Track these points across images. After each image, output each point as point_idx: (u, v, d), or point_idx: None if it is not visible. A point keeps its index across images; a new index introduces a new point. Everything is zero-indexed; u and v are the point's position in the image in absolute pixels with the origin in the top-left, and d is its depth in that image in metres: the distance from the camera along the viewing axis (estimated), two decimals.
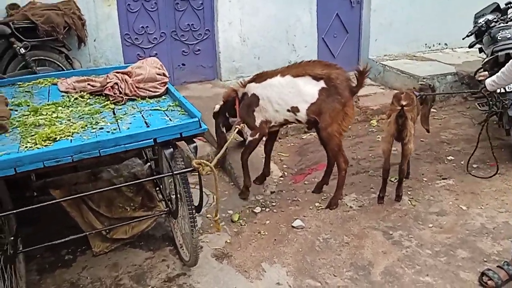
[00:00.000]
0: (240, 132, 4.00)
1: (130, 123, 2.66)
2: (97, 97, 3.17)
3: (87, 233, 2.88)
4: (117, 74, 3.13)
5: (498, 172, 3.89)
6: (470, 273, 2.80)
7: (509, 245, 3.01)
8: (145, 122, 2.66)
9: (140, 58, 5.26)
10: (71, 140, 2.42)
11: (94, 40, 5.03)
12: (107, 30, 5.07)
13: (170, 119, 2.68)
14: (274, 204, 3.72)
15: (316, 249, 3.12)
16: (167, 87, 3.20)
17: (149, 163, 3.37)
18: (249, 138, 3.69)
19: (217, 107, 3.76)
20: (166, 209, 2.99)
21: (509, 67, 2.54)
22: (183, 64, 5.70)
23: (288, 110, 3.46)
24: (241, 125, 3.55)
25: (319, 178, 4.13)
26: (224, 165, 4.27)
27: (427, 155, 4.48)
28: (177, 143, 2.56)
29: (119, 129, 2.57)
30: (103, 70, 3.81)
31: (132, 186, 3.18)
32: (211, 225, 3.42)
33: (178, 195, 2.70)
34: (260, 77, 3.58)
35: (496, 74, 2.70)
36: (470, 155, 3.22)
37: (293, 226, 3.38)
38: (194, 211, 2.59)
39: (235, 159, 4.16)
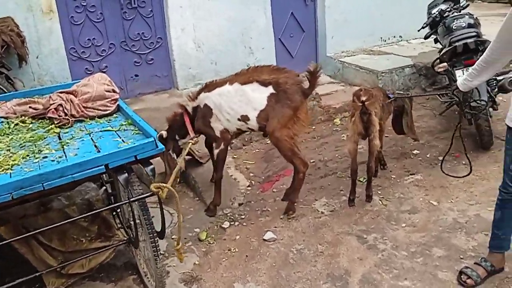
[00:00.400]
0: (189, 153, 3.83)
1: (78, 149, 2.43)
2: (40, 121, 2.91)
3: (39, 273, 2.60)
4: (60, 94, 2.88)
5: (472, 170, 3.78)
6: (448, 273, 2.74)
7: (483, 239, 2.97)
8: (95, 146, 2.44)
9: (89, 73, 5.01)
10: (10, 174, 2.17)
11: (37, 57, 4.69)
12: (51, 45, 4.74)
13: (123, 140, 2.47)
14: (243, 217, 3.55)
15: (291, 262, 2.98)
16: (118, 104, 2.97)
17: (104, 187, 3.13)
18: (216, 151, 3.52)
19: (164, 133, 3.46)
20: (125, 238, 2.76)
21: (480, 63, 2.46)
22: (136, 75, 5.44)
23: (239, 119, 3.35)
24: (195, 139, 3.32)
25: (287, 185, 3.99)
26: (188, 179, 4.06)
27: (393, 151, 4.44)
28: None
29: (65, 156, 2.33)
30: (47, 90, 3.52)
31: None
32: (174, 246, 3.21)
33: (138, 222, 2.48)
34: (209, 87, 3.45)
35: (468, 72, 2.62)
36: (443, 156, 3.16)
37: (264, 239, 3.23)
38: (156, 238, 2.38)
39: (198, 173, 3.97)
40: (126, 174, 2.25)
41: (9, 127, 2.81)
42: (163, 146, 2.33)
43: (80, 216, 2.50)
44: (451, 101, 4.60)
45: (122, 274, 2.97)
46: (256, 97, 3.25)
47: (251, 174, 4.21)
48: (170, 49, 5.46)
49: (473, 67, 2.55)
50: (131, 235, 2.67)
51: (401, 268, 2.82)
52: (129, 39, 5.25)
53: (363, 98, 3.28)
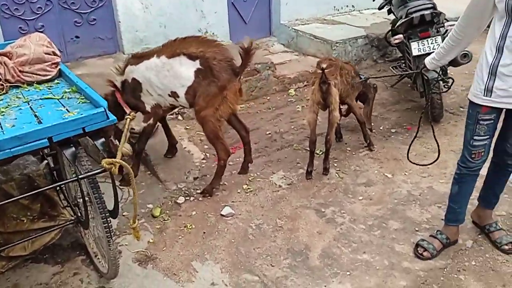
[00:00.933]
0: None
1: (15, 119, 2.14)
2: None
3: None
4: None
5: (439, 155, 3.78)
6: (404, 245, 2.78)
7: (436, 211, 3.05)
8: (36, 116, 2.16)
9: (23, 33, 4.51)
10: None
11: None
12: None
13: (67, 110, 2.20)
14: (198, 191, 3.40)
15: (250, 238, 2.90)
16: (59, 69, 2.66)
17: (46, 161, 2.83)
18: (143, 125, 3.28)
19: None
20: (73, 217, 2.52)
21: (448, 41, 2.42)
22: (77, 37, 4.97)
23: (169, 95, 3.13)
24: (132, 114, 3.05)
25: (243, 157, 3.89)
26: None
27: (347, 123, 4.43)
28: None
29: (1, 128, 2.04)
30: None
31: (27, 192, 2.65)
32: (129, 224, 3.02)
33: (87, 201, 2.25)
34: (135, 58, 3.19)
35: (435, 51, 2.57)
36: (410, 143, 3.08)
37: (222, 215, 3.11)
38: (108, 217, 2.18)
39: (149, 145, 3.73)
40: (73, 148, 2.01)
41: None
42: (115, 118, 2.09)
43: (25, 195, 2.21)
44: (402, 74, 4.65)
45: (69, 255, 2.75)
46: (183, 71, 2.99)
47: (206, 147, 4.03)
48: (115, 9, 5.02)
49: (441, 45, 2.51)
50: (79, 215, 2.43)
51: (359, 241, 2.83)
52: None
53: (323, 66, 3.20)
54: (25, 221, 2.54)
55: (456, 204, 2.63)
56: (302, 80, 5.45)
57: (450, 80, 3.38)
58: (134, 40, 5.20)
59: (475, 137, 2.39)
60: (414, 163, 3.10)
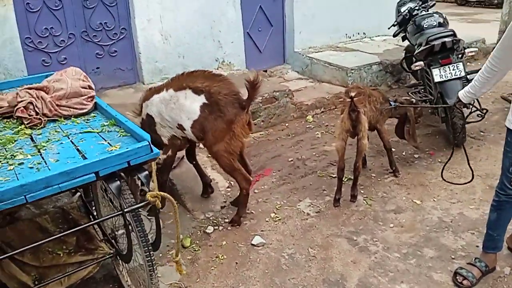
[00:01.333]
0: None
1: (58, 153, 2.16)
2: (5, 120, 2.58)
3: None
4: (29, 91, 2.57)
5: (473, 177, 3.65)
6: (442, 274, 2.74)
7: (470, 238, 3.01)
8: (78, 150, 2.17)
9: (46, 65, 4.62)
10: None
11: None
12: (4, 35, 4.27)
13: (109, 143, 2.22)
14: (226, 220, 3.39)
15: (283, 268, 2.86)
16: (95, 102, 2.70)
17: (78, 193, 2.85)
18: (163, 157, 3.29)
19: None
20: (112, 251, 2.51)
21: (483, 74, 2.42)
22: (98, 68, 5.06)
23: (177, 127, 3.15)
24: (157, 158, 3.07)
25: (268, 185, 3.90)
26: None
27: (369, 148, 4.42)
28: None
29: (45, 163, 2.05)
30: (6, 84, 3.16)
31: (61, 225, 2.66)
32: (160, 255, 3.01)
33: (129, 234, 2.24)
34: (148, 94, 3.25)
35: (470, 84, 2.57)
36: (444, 164, 3.15)
37: (253, 244, 3.09)
38: (151, 250, 2.17)
39: (175, 174, 3.75)
40: (118, 182, 2.02)
41: None
42: (158, 151, 2.11)
43: (67, 231, 2.21)
44: (425, 99, 4.68)
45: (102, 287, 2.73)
46: (189, 105, 3.00)
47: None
48: (135, 41, 5.13)
49: (475, 78, 2.51)
50: (118, 248, 2.42)
51: (395, 270, 2.79)
52: (90, 29, 4.87)
53: (352, 94, 3.23)
54: (61, 255, 2.52)
55: (495, 232, 2.60)
56: (319, 106, 5.50)
57: (484, 110, 3.36)
58: (154, 70, 5.29)
59: None
60: (449, 182, 3.26)
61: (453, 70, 3.97)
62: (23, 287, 2.42)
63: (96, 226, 2.68)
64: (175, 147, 3.30)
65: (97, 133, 2.36)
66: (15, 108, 2.50)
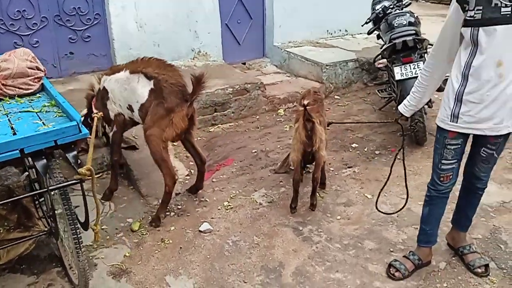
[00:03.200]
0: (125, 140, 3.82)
1: None
2: None
3: None
4: None
5: (398, 157, 3.91)
6: (378, 265, 2.79)
7: (413, 233, 3.06)
8: (12, 128, 2.21)
9: (18, 47, 4.60)
10: None
11: None
12: None
13: (43, 123, 2.26)
14: (179, 207, 3.44)
15: (225, 254, 2.92)
16: (42, 83, 2.73)
17: (27, 172, 2.89)
18: (110, 134, 3.43)
19: (81, 115, 3.25)
20: (46, 229, 2.55)
21: (419, 83, 2.43)
22: (71, 53, 5.09)
23: (127, 108, 3.26)
24: (100, 114, 3.07)
25: (227, 175, 3.95)
26: (122, 167, 3.86)
27: (332, 143, 4.48)
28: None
29: None
30: None
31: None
32: (107, 237, 3.05)
33: (59, 212, 2.29)
34: (111, 70, 3.37)
35: (408, 97, 2.53)
36: (380, 190, 3.10)
37: (200, 231, 3.14)
38: (78, 229, 2.22)
39: (133, 160, 3.79)
40: (45, 161, 2.06)
41: None
42: (88, 131, 2.15)
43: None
44: (389, 97, 4.72)
45: (45, 266, 2.77)
46: (139, 88, 3.10)
47: (191, 163, 4.07)
48: (109, 27, 5.15)
49: (413, 90, 2.52)
50: (52, 226, 2.47)
51: (333, 260, 2.85)
52: (63, 13, 4.89)
53: (305, 102, 3.10)
54: (1, 231, 2.57)
55: (427, 226, 2.65)
56: (292, 100, 5.53)
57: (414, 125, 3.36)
58: (128, 57, 5.24)
59: (443, 161, 2.45)
60: (381, 212, 3.11)
61: (413, 68, 4.01)
62: None
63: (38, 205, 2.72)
64: (120, 124, 3.36)
65: (36, 112, 2.41)
66: None
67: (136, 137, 4.06)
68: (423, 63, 4.06)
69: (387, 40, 4.29)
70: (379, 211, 3.06)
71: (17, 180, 2.88)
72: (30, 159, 2.89)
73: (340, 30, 7.20)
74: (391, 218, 3.27)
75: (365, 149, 4.36)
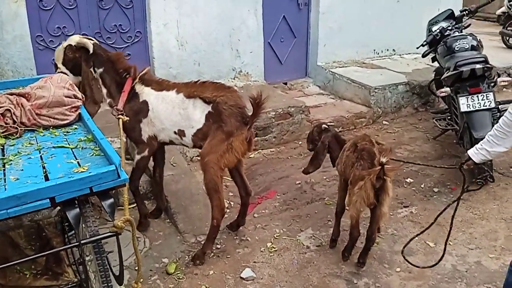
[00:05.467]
0: None
1: (22, 170, 1.96)
2: None
3: None
4: (10, 97, 2.40)
5: (462, 198, 3.50)
6: None
7: None
8: (44, 168, 1.98)
9: None
10: None
11: None
12: (14, 31, 4.20)
13: (78, 163, 2.01)
14: (219, 246, 3.14)
15: None
16: (79, 113, 2.51)
17: (59, 207, 2.66)
18: (137, 157, 3.12)
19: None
20: (76, 280, 2.30)
21: (500, 127, 2.06)
22: None
23: (175, 132, 3.01)
24: (126, 118, 2.87)
25: (269, 209, 3.64)
26: (161, 197, 3.60)
27: None
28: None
29: (4, 181, 1.86)
30: (2, 85, 3.03)
31: (34, 241, 2.47)
32: (141, 280, 2.78)
33: (90, 264, 2.03)
34: (158, 84, 3.07)
35: (483, 141, 2.20)
36: (409, 240, 2.82)
37: (241, 278, 2.82)
38: (110, 285, 1.94)
39: (171, 190, 3.53)
40: (77, 210, 1.80)
41: None
42: (127, 177, 1.88)
43: (36, 256, 2.01)
44: (449, 128, 4.31)
45: None
46: (196, 114, 2.89)
47: (230, 194, 3.79)
48: (150, 45, 4.98)
49: (490, 133, 2.15)
50: (81, 277, 2.21)
51: None
52: (104, 31, 4.74)
53: (384, 160, 2.58)
54: (28, 275, 2.34)
55: None
56: (337, 125, 5.17)
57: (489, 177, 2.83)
58: (167, 76, 5.07)
59: None
60: (409, 262, 2.79)
61: (482, 100, 3.59)
62: None
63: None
64: (152, 147, 3.11)
65: (71, 149, 2.17)
66: None
67: (174, 164, 3.81)
68: (493, 94, 3.65)
69: (450, 66, 3.89)
70: (407, 260, 2.78)
71: (48, 215, 2.66)
72: None
73: (387, 50, 6.84)
74: (459, 274, 2.86)
75: (422, 186, 3.95)
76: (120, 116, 2.84)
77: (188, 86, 3.00)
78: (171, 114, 2.96)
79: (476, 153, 2.25)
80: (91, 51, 2.92)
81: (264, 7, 5.53)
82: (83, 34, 4.56)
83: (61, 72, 2.89)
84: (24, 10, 4.22)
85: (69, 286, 2.28)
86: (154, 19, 4.85)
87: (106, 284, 1.90)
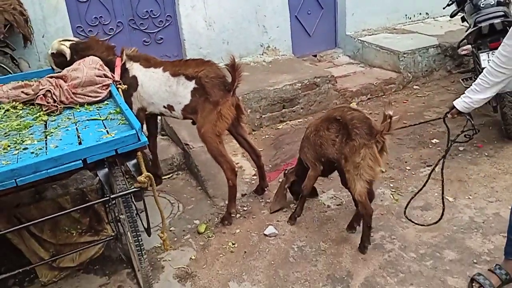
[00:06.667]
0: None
1: (60, 139, 2.29)
2: (31, 107, 2.79)
3: (32, 266, 2.52)
4: (50, 79, 2.76)
5: (486, 154, 3.51)
6: (459, 279, 2.51)
7: (500, 242, 2.72)
8: (78, 137, 2.30)
9: None
10: None
11: (43, 36, 4.57)
12: (56, 24, 4.60)
13: (107, 131, 2.31)
14: (245, 208, 3.39)
15: (290, 260, 2.81)
16: (110, 90, 2.82)
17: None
18: None
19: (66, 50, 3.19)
20: (113, 234, 2.64)
21: (485, 76, 2.08)
22: None
23: (164, 107, 3.24)
24: (124, 86, 3.00)
25: None
26: (191, 167, 3.92)
27: (410, 139, 4.16)
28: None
29: (46, 148, 2.20)
30: (45, 72, 3.40)
31: (79, 206, 2.83)
32: (175, 239, 3.10)
33: (123, 218, 2.35)
34: (146, 61, 3.30)
35: (468, 89, 2.22)
36: (409, 200, 2.84)
37: (265, 234, 3.06)
38: (139, 236, 2.25)
39: (201, 160, 3.81)
40: (106, 169, 2.10)
41: None
42: (146, 139, 2.16)
43: (74, 208, 2.35)
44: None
45: (116, 268, 2.87)
46: (181, 91, 3.11)
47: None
48: (180, 28, 5.25)
49: (475, 82, 2.20)
50: (118, 230, 2.54)
51: (407, 271, 2.62)
52: (137, 17, 5.06)
53: (390, 112, 2.54)
54: (74, 234, 2.71)
55: None
56: (366, 93, 5.25)
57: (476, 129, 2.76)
58: (198, 56, 5.33)
59: None
60: (411, 221, 2.86)
61: None
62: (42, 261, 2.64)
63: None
64: (141, 120, 3.34)
65: (102, 120, 2.48)
66: (36, 95, 2.69)
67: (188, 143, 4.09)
68: None
69: (472, 23, 3.85)
70: (408, 219, 2.84)
71: (91, 183, 3.01)
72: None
73: (420, 14, 6.70)
74: (475, 225, 2.94)
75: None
76: (119, 86, 3.01)
77: (173, 65, 3.23)
78: (159, 90, 3.19)
79: (460, 102, 2.31)
80: (68, 58, 3.15)
81: None
82: (118, 22, 4.97)
83: (57, 72, 3.14)
84: (63, 4, 4.60)
85: (108, 239, 2.63)
86: (182, 2, 5.09)
87: (135, 233, 2.20)
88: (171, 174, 3.93)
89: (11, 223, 2.60)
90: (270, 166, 3.99)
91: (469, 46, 3.79)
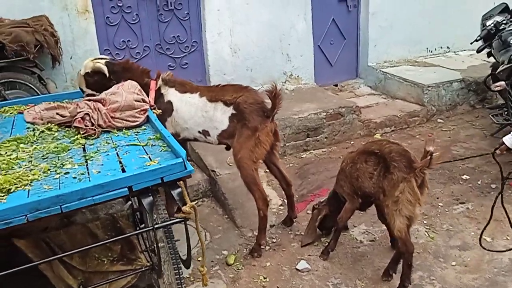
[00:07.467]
0: None
1: (102, 165, 2.23)
2: (66, 129, 2.75)
3: None
4: (88, 102, 2.72)
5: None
6: None
7: None
8: (120, 163, 2.24)
9: None
10: (28, 191, 1.99)
11: (71, 58, 4.58)
12: (85, 46, 4.62)
13: (149, 158, 2.26)
14: (274, 240, 3.30)
15: None
16: (147, 115, 2.78)
17: (130, 202, 2.94)
18: None
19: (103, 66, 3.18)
20: (149, 264, 2.55)
21: None
22: None
23: (199, 132, 3.21)
24: (158, 110, 3.02)
25: None
26: (217, 195, 3.84)
27: (439, 174, 4.08)
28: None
29: (88, 173, 2.14)
30: (78, 94, 3.39)
31: (110, 232, 2.75)
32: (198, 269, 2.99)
33: (160, 250, 2.26)
34: (181, 86, 3.26)
35: None
36: (484, 226, 2.78)
37: (297, 269, 2.97)
38: (180, 267, 2.16)
39: (228, 187, 3.74)
40: (151, 198, 2.04)
41: (34, 135, 2.66)
42: (192, 168, 2.10)
43: (109, 240, 2.28)
44: (504, 123, 4.22)
45: None
46: (219, 117, 3.09)
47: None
48: (205, 54, 5.27)
49: None
50: (155, 262, 2.45)
51: None
52: (164, 42, 5.09)
53: (431, 149, 2.49)
54: (105, 262, 2.61)
55: None
56: (390, 125, 5.21)
57: None
58: (222, 83, 5.33)
59: None
60: (485, 249, 2.78)
61: None
62: None
63: (140, 237, 2.74)
64: None
65: (142, 146, 2.42)
66: (74, 118, 2.65)
67: (230, 164, 4.03)
68: None
69: (505, 60, 3.83)
70: (483, 247, 2.75)
71: (121, 209, 2.93)
72: None
73: (441, 47, 6.72)
74: None
75: (479, 182, 3.90)
76: (154, 110, 2.99)
77: (210, 90, 3.22)
78: (195, 116, 3.16)
79: (509, 138, 2.27)
80: (107, 75, 3.15)
81: (314, 11, 5.65)
82: (145, 46, 4.99)
83: (88, 94, 3.17)
84: (93, 27, 4.63)
85: (143, 270, 2.53)
86: (209, 29, 5.13)
87: (176, 266, 2.11)
88: (196, 201, 3.85)
89: (40, 248, 2.52)
90: (297, 196, 3.90)
91: (503, 82, 3.75)
